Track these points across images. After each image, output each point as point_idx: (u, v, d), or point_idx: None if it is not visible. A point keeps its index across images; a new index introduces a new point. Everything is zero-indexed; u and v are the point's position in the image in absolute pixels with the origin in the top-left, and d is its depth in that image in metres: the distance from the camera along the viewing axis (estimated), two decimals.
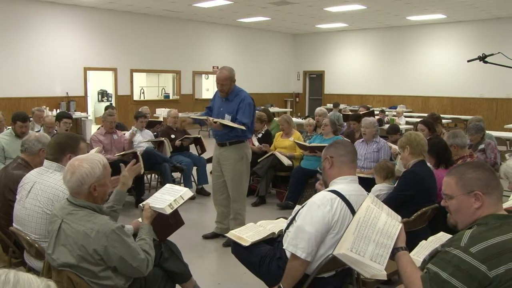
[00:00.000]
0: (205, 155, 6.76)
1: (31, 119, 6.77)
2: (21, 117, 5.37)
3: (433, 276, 1.73)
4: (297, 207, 2.65)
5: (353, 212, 2.43)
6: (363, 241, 2.12)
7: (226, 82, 4.33)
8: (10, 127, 5.71)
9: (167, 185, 2.88)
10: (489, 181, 1.86)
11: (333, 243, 2.40)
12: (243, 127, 4.27)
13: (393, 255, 2.10)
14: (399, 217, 2.28)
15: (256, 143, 6.52)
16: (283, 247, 2.55)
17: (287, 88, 18.60)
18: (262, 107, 10.77)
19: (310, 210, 2.44)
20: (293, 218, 2.60)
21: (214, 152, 4.69)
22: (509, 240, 1.72)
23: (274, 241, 2.84)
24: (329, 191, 2.49)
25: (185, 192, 2.73)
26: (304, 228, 2.41)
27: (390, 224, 2.15)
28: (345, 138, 5.82)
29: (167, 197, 2.69)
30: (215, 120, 4.28)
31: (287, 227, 2.64)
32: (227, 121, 4.30)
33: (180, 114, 7.42)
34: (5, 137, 5.34)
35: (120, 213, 2.71)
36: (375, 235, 2.12)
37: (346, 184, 2.53)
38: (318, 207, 2.41)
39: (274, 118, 8.02)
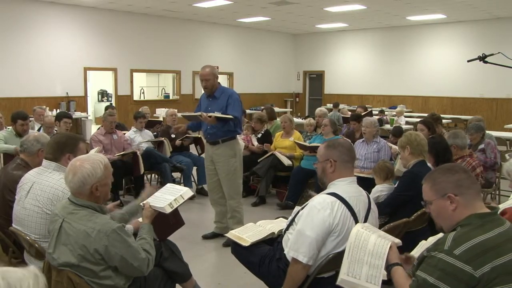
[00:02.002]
0: None
1: (31, 118, 6.77)
2: (21, 116, 5.43)
3: (421, 283, 1.74)
4: (297, 207, 2.64)
5: (353, 214, 2.44)
6: (357, 264, 2.17)
7: (210, 77, 4.42)
8: (9, 127, 5.73)
9: (168, 184, 2.88)
10: (460, 182, 1.87)
11: (334, 245, 2.42)
12: (235, 120, 4.37)
13: (389, 272, 2.11)
14: (397, 240, 2.24)
15: (256, 143, 6.53)
16: (284, 252, 2.55)
17: (287, 88, 18.58)
18: (262, 107, 10.76)
19: (310, 214, 2.43)
20: (293, 219, 2.59)
21: (206, 152, 4.70)
22: (491, 238, 1.72)
23: (274, 241, 2.83)
24: (329, 194, 2.49)
25: (186, 192, 2.73)
26: (304, 232, 2.41)
27: (379, 244, 2.18)
28: (345, 138, 5.81)
29: (168, 196, 2.69)
30: (210, 114, 4.31)
31: (287, 228, 2.64)
32: (220, 114, 4.35)
33: (179, 115, 7.41)
34: (4, 136, 5.37)
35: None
36: (366, 257, 2.16)
37: (346, 186, 2.53)
38: (318, 211, 2.41)
39: (277, 119, 7.98)
